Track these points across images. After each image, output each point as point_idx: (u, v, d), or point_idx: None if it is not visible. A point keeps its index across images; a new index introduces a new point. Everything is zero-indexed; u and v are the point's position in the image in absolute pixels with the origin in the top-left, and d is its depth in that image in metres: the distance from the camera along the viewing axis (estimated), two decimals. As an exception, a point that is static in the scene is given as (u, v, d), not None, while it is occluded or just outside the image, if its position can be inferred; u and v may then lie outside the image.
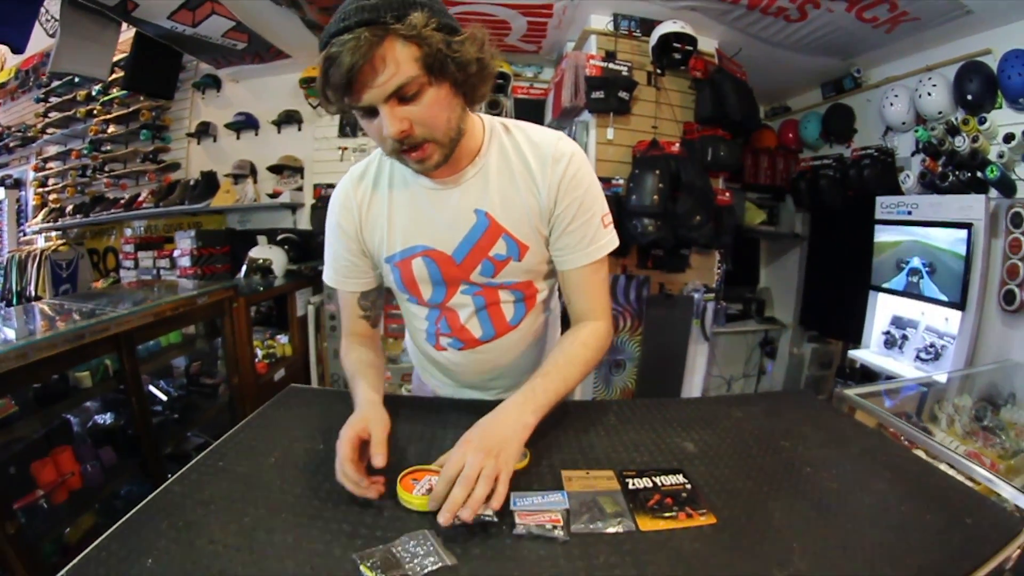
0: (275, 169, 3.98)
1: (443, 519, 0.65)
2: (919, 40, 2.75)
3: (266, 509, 0.70)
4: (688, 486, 0.75)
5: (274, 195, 3.94)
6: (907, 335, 2.52)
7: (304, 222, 4.03)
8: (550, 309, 1.14)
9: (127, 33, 3.31)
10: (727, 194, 3.06)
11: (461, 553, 0.61)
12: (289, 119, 4.03)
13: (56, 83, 4.74)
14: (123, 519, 0.68)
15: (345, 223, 0.98)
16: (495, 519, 0.66)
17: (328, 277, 1.05)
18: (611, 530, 0.66)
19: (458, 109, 0.82)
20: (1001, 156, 2.27)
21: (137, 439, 1.89)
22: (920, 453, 1.18)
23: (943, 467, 1.12)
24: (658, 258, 3.06)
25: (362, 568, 0.57)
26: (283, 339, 3.55)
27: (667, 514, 0.69)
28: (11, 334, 1.59)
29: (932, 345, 2.38)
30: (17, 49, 2.28)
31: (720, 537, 0.64)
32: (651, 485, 0.75)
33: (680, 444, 0.89)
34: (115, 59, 3.68)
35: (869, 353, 2.69)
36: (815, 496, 0.74)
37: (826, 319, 3.71)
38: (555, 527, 0.66)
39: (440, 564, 0.59)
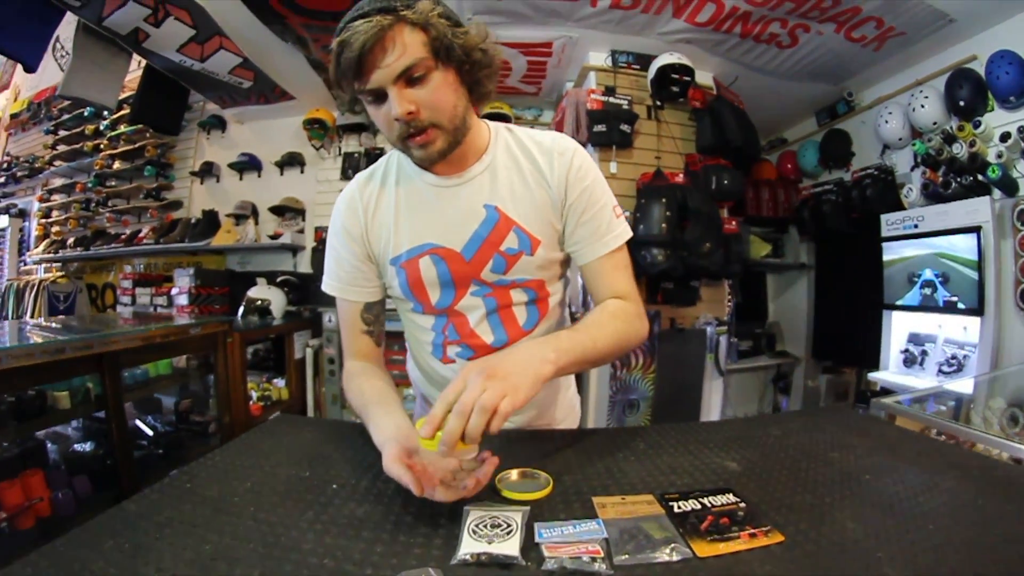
0: (277, 210, 4.00)
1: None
2: (907, 56, 2.85)
3: (232, 537, 0.60)
4: (742, 505, 0.66)
5: (275, 236, 3.94)
6: (926, 351, 2.48)
7: (304, 265, 4.01)
8: (564, 319, 1.08)
9: (136, 72, 3.40)
10: (733, 223, 3.05)
11: None
12: (292, 161, 4.09)
13: (66, 116, 4.87)
14: (61, 537, 0.59)
15: (351, 225, 0.95)
16: (519, 559, 0.56)
17: (329, 286, 0.99)
18: (663, 559, 0.56)
19: (463, 99, 0.83)
20: (1000, 156, 2.31)
21: (116, 471, 1.75)
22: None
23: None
24: (668, 291, 3.01)
25: None
26: (280, 383, 3.44)
27: (726, 535, 0.59)
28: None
29: (953, 357, 2.33)
30: (29, 68, 2.34)
31: (793, 555, 0.55)
32: (700, 507, 0.66)
33: (722, 464, 0.81)
34: (123, 96, 3.79)
35: (889, 374, 2.63)
36: (884, 502, 0.66)
37: (839, 347, 3.63)
38: (594, 559, 0.55)
39: None
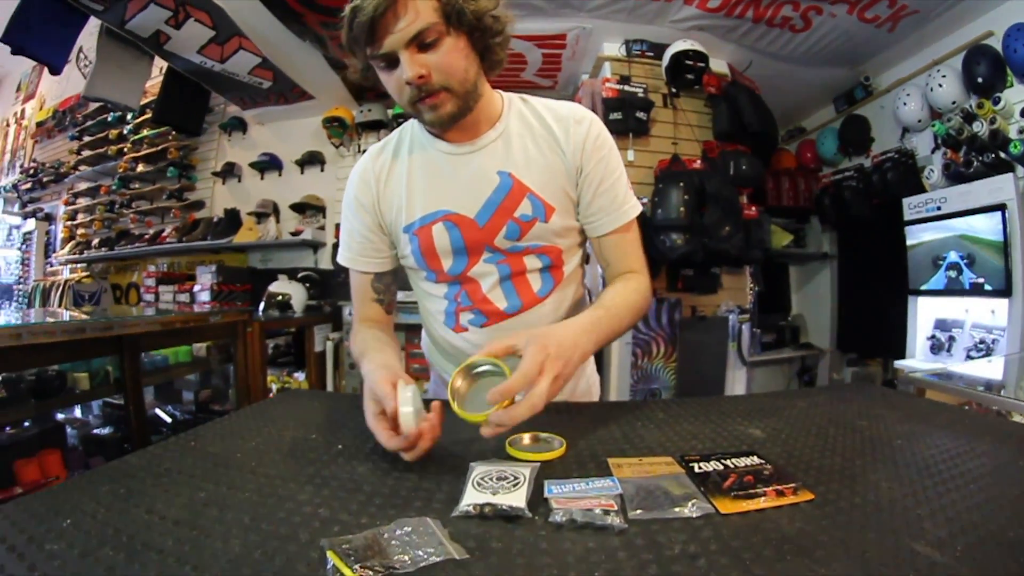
0: (297, 208, 4.08)
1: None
2: (922, 35, 2.79)
3: (228, 487, 0.60)
4: (768, 466, 0.62)
5: (296, 233, 4.02)
6: (954, 336, 2.42)
7: (325, 261, 4.08)
8: (583, 293, 1.07)
9: (158, 78, 3.51)
10: (753, 208, 3.00)
11: (475, 547, 0.47)
12: (312, 160, 4.17)
13: (90, 122, 5.05)
14: (60, 484, 0.62)
15: (363, 196, 0.97)
16: (525, 510, 0.52)
17: (342, 257, 1.02)
18: (683, 514, 0.52)
19: (475, 65, 0.84)
20: (1022, 131, 2.25)
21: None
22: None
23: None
24: (688, 278, 2.97)
25: (330, 555, 0.44)
26: (300, 376, 3.48)
27: (751, 492, 0.56)
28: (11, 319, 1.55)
29: (982, 341, 2.28)
30: (55, 70, 2.45)
31: (825, 512, 0.52)
32: (722, 467, 0.62)
33: (745, 431, 0.77)
34: (145, 101, 3.91)
35: (916, 362, 2.57)
36: (920, 464, 0.63)
37: (865, 338, 3.55)
38: (607, 512, 0.52)
39: (444, 557, 0.45)
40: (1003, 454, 0.66)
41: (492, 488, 0.56)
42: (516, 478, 0.58)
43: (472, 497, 0.55)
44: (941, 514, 0.50)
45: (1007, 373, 1.78)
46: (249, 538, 0.49)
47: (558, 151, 0.92)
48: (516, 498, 0.54)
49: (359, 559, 0.44)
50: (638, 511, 0.52)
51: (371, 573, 0.42)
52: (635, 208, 0.96)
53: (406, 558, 0.44)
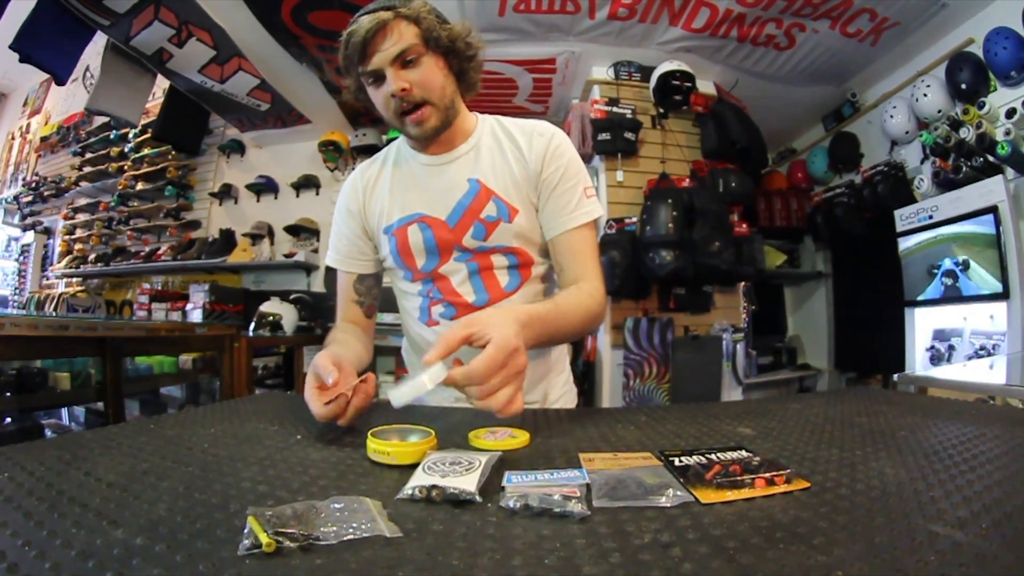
0: (292, 230, 4.11)
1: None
2: (905, 48, 2.84)
3: (173, 461, 0.60)
4: (757, 458, 0.57)
5: (289, 255, 4.03)
6: (953, 345, 2.38)
7: (318, 284, 4.07)
8: (552, 292, 1.11)
9: (160, 99, 3.59)
10: (744, 225, 3.01)
11: (413, 528, 0.44)
12: (308, 183, 4.23)
13: (92, 139, 5.15)
14: (9, 446, 0.64)
15: (351, 204, 1.08)
16: (475, 495, 0.48)
17: (330, 259, 1.13)
18: (658, 503, 0.47)
19: (452, 84, 0.97)
20: (1008, 133, 2.26)
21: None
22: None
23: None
24: (680, 297, 2.95)
25: (249, 520, 0.42)
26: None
27: (736, 480, 0.51)
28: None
29: (983, 347, 2.23)
30: (59, 80, 2.56)
31: (823, 499, 0.47)
32: (705, 461, 0.56)
33: (734, 430, 0.72)
34: (146, 121, 3.98)
35: (915, 375, 2.51)
36: (927, 450, 0.60)
37: (863, 356, 3.50)
38: (568, 498, 0.47)
39: (373, 534, 0.42)
40: (1018, 436, 0.64)
41: (442, 472, 0.53)
42: (470, 463, 0.54)
43: (419, 479, 0.51)
44: (958, 494, 0.46)
45: (1010, 371, 1.74)
46: (177, 504, 0.48)
47: (522, 160, 1.01)
48: (467, 482, 0.50)
49: (279, 526, 0.41)
50: (605, 499, 0.47)
51: (287, 540, 0.39)
52: (589, 214, 1.01)
53: (331, 530, 0.41)
